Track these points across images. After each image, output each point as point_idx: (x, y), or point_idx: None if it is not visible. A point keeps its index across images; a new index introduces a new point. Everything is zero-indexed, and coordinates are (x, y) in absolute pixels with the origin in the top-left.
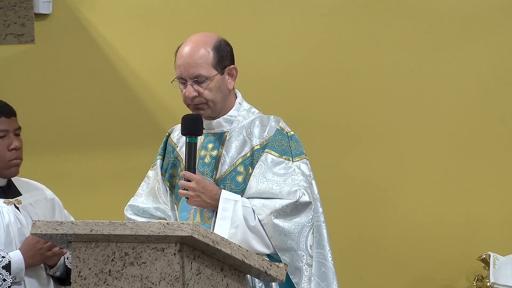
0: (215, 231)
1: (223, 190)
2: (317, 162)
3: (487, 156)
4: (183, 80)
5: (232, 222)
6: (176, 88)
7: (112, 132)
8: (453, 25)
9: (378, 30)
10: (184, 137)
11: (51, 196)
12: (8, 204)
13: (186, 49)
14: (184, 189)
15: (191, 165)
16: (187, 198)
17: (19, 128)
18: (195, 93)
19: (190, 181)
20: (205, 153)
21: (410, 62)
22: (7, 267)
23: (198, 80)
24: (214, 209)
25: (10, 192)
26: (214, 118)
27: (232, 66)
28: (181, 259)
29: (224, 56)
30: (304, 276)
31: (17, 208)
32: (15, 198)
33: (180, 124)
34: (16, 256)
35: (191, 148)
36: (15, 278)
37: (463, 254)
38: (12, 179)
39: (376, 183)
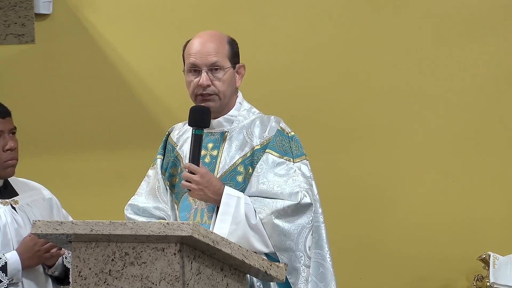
0: (215, 226)
1: (226, 186)
2: (316, 162)
3: (487, 156)
4: (196, 68)
5: (234, 218)
6: (187, 76)
7: (112, 132)
8: (453, 25)
9: (378, 30)
10: (184, 137)
11: (48, 195)
12: (4, 205)
13: (201, 40)
14: (187, 181)
15: (195, 158)
16: (189, 190)
17: (15, 128)
18: (209, 82)
19: (194, 173)
20: (205, 153)
21: (410, 62)
22: (4, 268)
23: (214, 67)
24: (216, 204)
25: (6, 192)
26: (215, 118)
27: (241, 64)
28: (181, 259)
29: (237, 52)
30: (301, 276)
31: (14, 208)
32: (12, 199)
33: (180, 123)
34: (12, 257)
35: (196, 140)
36: (12, 279)
37: (463, 254)
38: (8, 179)
39: (376, 183)
